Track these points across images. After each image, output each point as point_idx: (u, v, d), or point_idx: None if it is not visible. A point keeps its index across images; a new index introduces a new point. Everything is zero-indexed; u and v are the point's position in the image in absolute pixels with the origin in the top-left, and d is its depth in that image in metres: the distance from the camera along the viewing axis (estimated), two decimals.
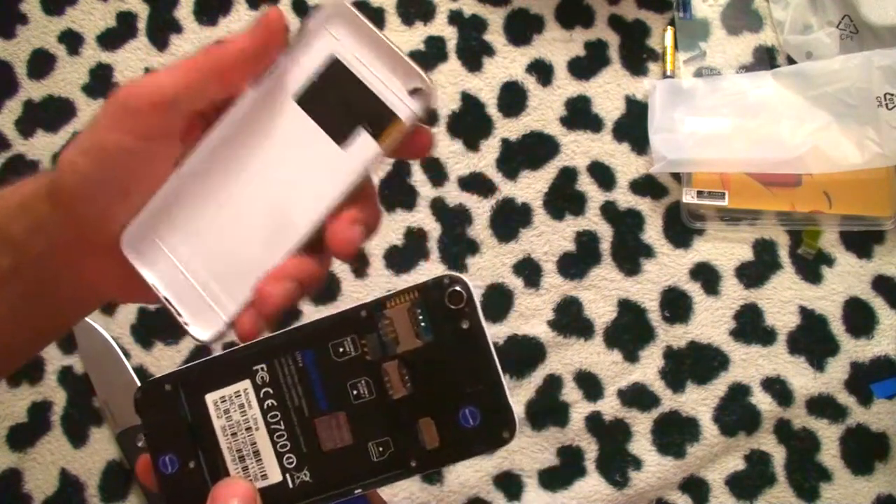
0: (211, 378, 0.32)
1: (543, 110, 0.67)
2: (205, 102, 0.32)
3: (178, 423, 0.31)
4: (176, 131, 0.32)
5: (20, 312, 0.34)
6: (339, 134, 0.33)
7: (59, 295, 0.34)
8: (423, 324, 0.30)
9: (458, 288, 0.30)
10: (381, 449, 0.31)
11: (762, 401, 0.61)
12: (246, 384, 0.31)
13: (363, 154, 0.32)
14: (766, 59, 0.67)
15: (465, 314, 0.30)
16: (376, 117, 0.32)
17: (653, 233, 0.64)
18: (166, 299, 0.33)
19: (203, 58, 0.32)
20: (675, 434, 0.60)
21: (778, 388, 0.61)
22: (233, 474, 0.31)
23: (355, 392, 0.31)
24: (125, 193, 0.32)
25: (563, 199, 0.65)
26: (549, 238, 0.64)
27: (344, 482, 0.31)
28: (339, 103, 0.33)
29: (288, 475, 0.31)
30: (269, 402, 0.31)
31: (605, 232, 0.64)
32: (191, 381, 0.32)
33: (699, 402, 0.61)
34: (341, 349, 0.31)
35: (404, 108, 0.32)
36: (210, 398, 0.31)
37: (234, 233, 0.34)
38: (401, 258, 0.64)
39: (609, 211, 0.65)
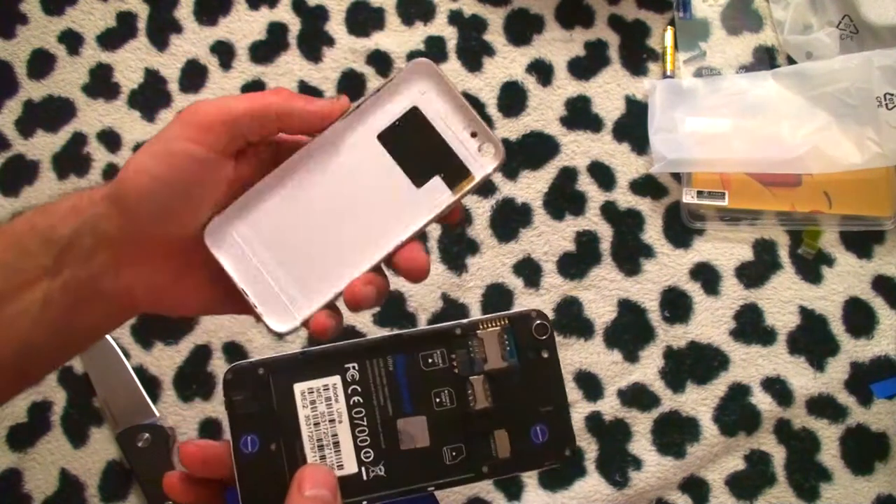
0: (302, 369, 0.34)
1: (543, 110, 0.67)
2: (260, 135, 0.36)
3: (265, 407, 0.34)
4: (234, 151, 0.36)
5: (57, 310, 0.35)
6: (416, 176, 0.37)
7: (98, 296, 0.36)
8: (509, 347, 0.34)
9: (543, 322, 0.35)
10: (454, 453, 0.34)
11: (762, 401, 0.61)
12: (336, 379, 0.34)
13: (437, 199, 0.37)
14: (766, 59, 0.67)
15: (546, 345, 0.35)
16: (451, 169, 0.37)
17: (653, 233, 0.64)
18: (243, 290, 0.37)
19: (272, 97, 0.36)
20: (675, 434, 0.60)
21: (778, 388, 0.61)
22: (310, 461, 0.33)
23: (438, 400, 0.34)
24: (187, 196, 0.36)
25: (563, 199, 0.65)
26: (549, 238, 0.64)
27: (416, 480, 0.34)
28: (416, 148, 0.37)
29: (363, 468, 0.34)
30: (355, 398, 0.34)
31: (605, 232, 0.64)
32: (282, 369, 0.34)
33: (699, 402, 0.61)
34: (430, 360, 0.34)
35: (478, 165, 0.37)
36: (298, 388, 0.34)
37: (312, 243, 0.37)
38: None
39: (609, 211, 0.65)
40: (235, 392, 0.34)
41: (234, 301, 0.38)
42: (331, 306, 0.37)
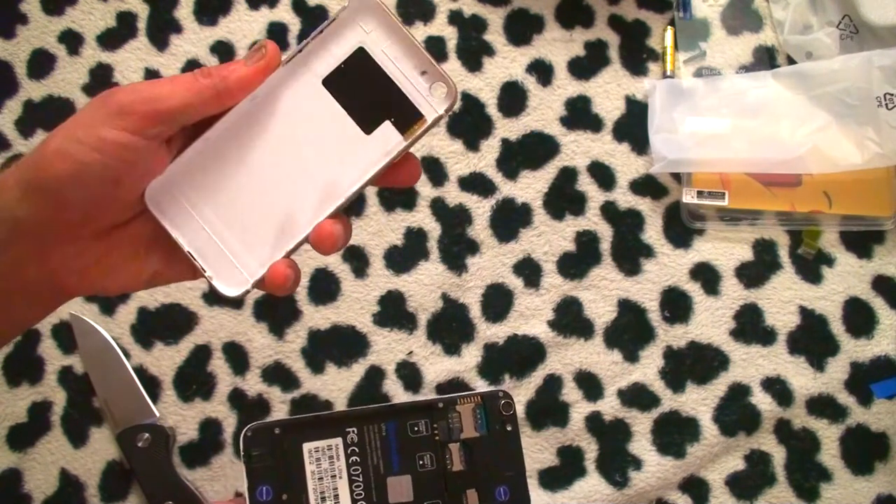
0: (310, 430, 0.40)
1: (543, 110, 0.67)
2: (199, 118, 0.35)
3: (278, 462, 0.39)
4: (167, 137, 0.35)
5: None
6: (364, 121, 0.35)
7: (22, 286, 0.35)
8: (480, 420, 0.41)
9: (508, 401, 0.41)
10: None
11: (762, 401, 0.61)
12: (338, 441, 0.40)
13: (388, 145, 0.35)
14: (766, 59, 0.67)
15: (510, 419, 0.41)
16: (401, 112, 0.35)
17: (653, 233, 0.64)
18: (190, 254, 0.35)
19: (204, 81, 0.34)
20: (675, 434, 0.60)
21: (778, 388, 0.61)
22: None
23: (421, 462, 0.40)
24: (117, 182, 0.34)
25: (563, 199, 0.65)
26: (549, 238, 0.64)
27: None
28: (364, 92, 0.35)
29: None
30: (353, 458, 0.40)
31: (605, 232, 0.64)
32: (294, 429, 0.40)
33: (699, 402, 0.61)
34: (416, 428, 0.40)
35: (428, 107, 0.35)
36: (306, 447, 0.40)
37: (259, 200, 0.36)
38: (401, 258, 0.64)
39: (609, 211, 0.65)
40: (253, 448, 0.39)
41: (178, 269, 0.36)
42: (287, 259, 0.36)
